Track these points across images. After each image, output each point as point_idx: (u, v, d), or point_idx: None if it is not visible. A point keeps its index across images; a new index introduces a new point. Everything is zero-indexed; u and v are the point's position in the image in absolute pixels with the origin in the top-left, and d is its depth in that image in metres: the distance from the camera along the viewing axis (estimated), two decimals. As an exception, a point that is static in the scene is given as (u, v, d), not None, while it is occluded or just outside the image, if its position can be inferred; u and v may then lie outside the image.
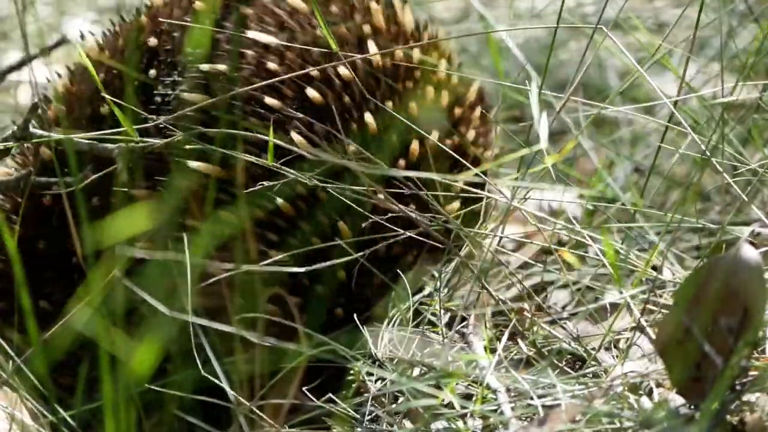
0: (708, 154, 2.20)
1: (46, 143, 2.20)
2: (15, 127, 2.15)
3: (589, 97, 2.46)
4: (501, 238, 2.22)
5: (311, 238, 2.16)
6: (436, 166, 2.24)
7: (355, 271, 2.18)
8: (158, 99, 2.20)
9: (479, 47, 3.74)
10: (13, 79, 3.25)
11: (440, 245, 2.20)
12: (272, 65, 2.19)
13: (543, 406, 1.90)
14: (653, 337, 2.04)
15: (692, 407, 1.84)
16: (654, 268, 2.31)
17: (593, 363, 2.11)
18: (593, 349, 2.15)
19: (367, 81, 2.22)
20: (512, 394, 1.95)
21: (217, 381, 1.99)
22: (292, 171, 2.10)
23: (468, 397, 2.05)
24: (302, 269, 2.11)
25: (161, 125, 2.14)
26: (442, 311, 2.23)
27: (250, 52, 2.20)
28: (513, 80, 2.44)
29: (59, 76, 2.34)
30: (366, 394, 2.09)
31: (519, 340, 2.20)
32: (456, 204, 2.26)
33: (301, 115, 2.18)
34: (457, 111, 2.38)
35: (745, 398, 1.82)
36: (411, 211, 2.14)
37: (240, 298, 2.10)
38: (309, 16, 2.26)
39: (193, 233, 2.07)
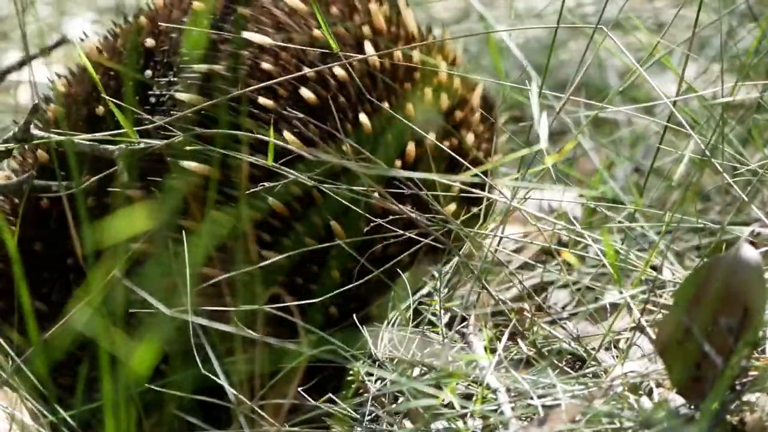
0: (708, 154, 2.20)
1: (45, 145, 2.20)
2: (16, 129, 2.15)
3: (589, 97, 2.46)
4: (501, 238, 2.22)
5: (306, 238, 2.16)
6: (433, 167, 2.24)
7: (351, 271, 2.18)
8: (153, 99, 2.20)
9: (479, 47, 3.74)
10: (13, 79, 3.25)
11: (439, 245, 2.20)
12: (267, 65, 2.19)
13: (543, 406, 1.90)
14: (653, 337, 2.04)
15: (692, 407, 1.84)
16: (654, 268, 2.31)
17: (593, 363, 2.11)
18: (593, 349, 2.15)
19: (363, 82, 2.23)
20: (512, 394, 1.95)
21: (217, 380, 1.99)
22: (290, 171, 2.10)
23: (468, 397, 2.05)
24: (302, 267, 2.11)
25: (158, 126, 2.14)
26: (442, 311, 2.23)
27: (245, 53, 2.20)
28: (513, 80, 2.44)
29: (59, 76, 2.34)
30: (366, 394, 2.09)
31: (519, 340, 2.21)
32: (453, 205, 2.26)
33: (296, 115, 2.18)
34: (458, 113, 2.38)
35: (745, 398, 1.82)
36: (410, 212, 2.14)
37: (238, 299, 2.10)
38: (306, 16, 2.26)
39: (190, 234, 2.07)
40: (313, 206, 2.17)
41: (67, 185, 2.14)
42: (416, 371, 2.10)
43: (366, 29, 2.29)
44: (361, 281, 2.18)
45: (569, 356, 2.19)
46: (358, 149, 2.17)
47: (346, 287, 2.17)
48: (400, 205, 2.14)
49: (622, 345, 2.19)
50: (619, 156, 3.14)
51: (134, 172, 2.13)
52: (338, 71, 2.22)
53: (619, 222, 2.40)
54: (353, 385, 2.15)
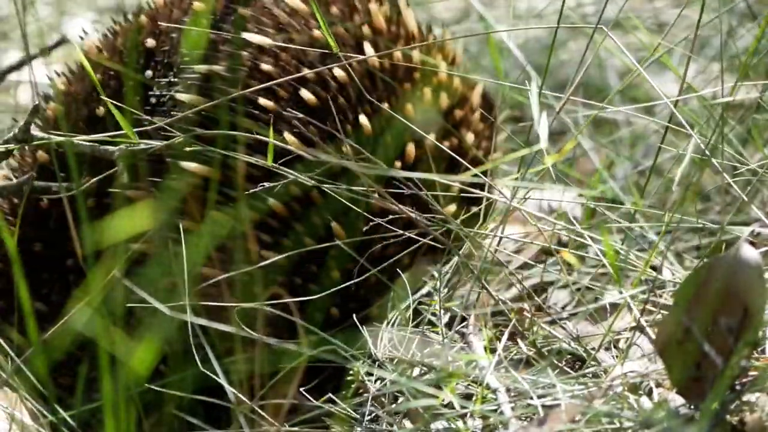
0: (708, 153, 2.20)
1: (45, 146, 2.20)
2: (16, 130, 2.15)
3: (588, 97, 2.46)
4: (501, 238, 2.22)
5: (305, 238, 2.16)
6: (433, 167, 2.24)
7: (351, 272, 2.18)
8: (153, 100, 2.20)
9: (479, 47, 3.74)
10: (13, 79, 3.25)
11: (439, 245, 2.20)
12: (267, 66, 2.19)
13: (543, 406, 1.90)
14: (653, 337, 2.04)
15: (692, 407, 1.84)
16: (654, 268, 2.31)
17: (593, 363, 2.11)
18: (593, 349, 2.15)
19: (363, 82, 2.22)
20: (512, 394, 1.95)
21: (217, 380, 1.99)
22: (290, 171, 2.10)
23: (468, 397, 2.05)
24: (304, 267, 2.11)
25: (159, 126, 2.14)
26: (442, 311, 2.23)
27: (244, 53, 2.20)
28: (513, 80, 2.44)
29: (59, 74, 2.34)
30: (366, 394, 2.09)
31: (519, 340, 2.20)
32: (453, 205, 2.26)
33: (296, 115, 2.18)
34: (458, 112, 2.38)
35: (745, 398, 1.82)
36: (410, 212, 2.14)
37: (238, 298, 2.10)
38: (307, 17, 2.26)
39: (190, 234, 2.07)
40: (312, 207, 2.17)
41: (67, 186, 2.14)
42: (416, 371, 2.10)
43: (366, 29, 2.29)
44: (360, 281, 2.18)
45: (569, 356, 2.19)
46: (358, 149, 2.17)
47: (346, 286, 2.17)
48: (400, 206, 2.14)
49: (622, 345, 2.19)
50: (619, 156, 3.13)
51: (134, 172, 2.13)
52: (338, 72, 2.21)
53: (619, 222, 2.40)
54: (353, 385, 2.15)
